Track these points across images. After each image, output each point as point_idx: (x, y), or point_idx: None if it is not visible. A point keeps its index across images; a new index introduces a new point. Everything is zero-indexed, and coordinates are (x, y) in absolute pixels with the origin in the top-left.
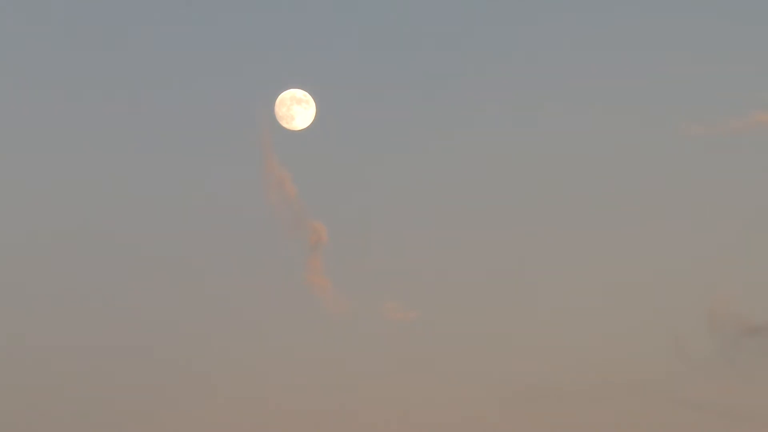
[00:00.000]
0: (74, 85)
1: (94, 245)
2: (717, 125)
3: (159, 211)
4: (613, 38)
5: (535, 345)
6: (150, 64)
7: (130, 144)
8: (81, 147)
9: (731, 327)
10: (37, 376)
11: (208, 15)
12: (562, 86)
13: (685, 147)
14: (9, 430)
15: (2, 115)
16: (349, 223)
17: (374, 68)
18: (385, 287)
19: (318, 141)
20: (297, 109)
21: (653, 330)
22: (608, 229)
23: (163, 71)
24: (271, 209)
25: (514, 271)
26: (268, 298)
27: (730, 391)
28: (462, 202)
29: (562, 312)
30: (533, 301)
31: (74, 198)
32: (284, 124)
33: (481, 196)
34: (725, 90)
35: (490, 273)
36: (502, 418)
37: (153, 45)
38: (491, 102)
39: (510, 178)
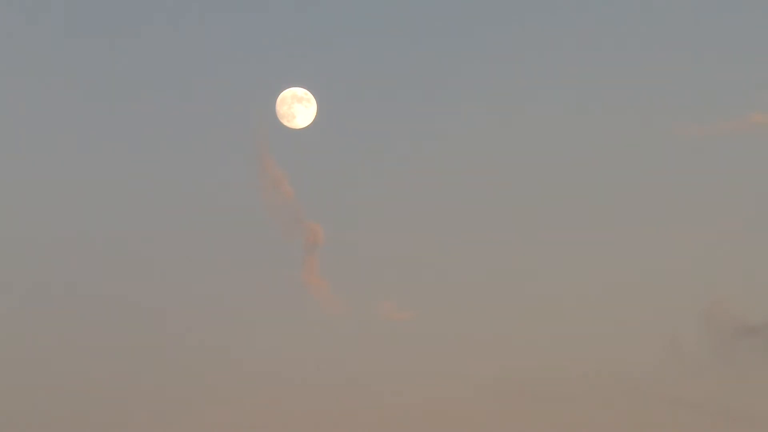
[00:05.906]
0: (72, 86)
1: (93, 244)
2: (713, 126)
3: (156, 210)
4: (609, 38)
5: (531, 345)
6: (149, 63)
7: (128, 143)
8: (79, 147)
9: (727, 327)
10: (37, 376)
11: (209, 14)
12: (560, 87)
13: (681, 147)
14: (11, 430)
15: (2, 115)
16: (345, 223)
17: (374, 68)
18: (381, 287)
19: (317, 140)
20: (298, 108)
21: (649, 329)
22: (604, 229)
23: (162, 71)
24: (268, 210)
25: (510, 271)
26: (264, 298)
27: (725, 390)
28: (459, 203)
29: (559, 311)
30: (529, 301)
31: (73, 198)
32: (285, 122)
33: (478, 197)
34: (721, 91)
35: (485, 273)
36: (498, 416)
37: (153, 44)
38: (491, 102)
39: (507, 179)
